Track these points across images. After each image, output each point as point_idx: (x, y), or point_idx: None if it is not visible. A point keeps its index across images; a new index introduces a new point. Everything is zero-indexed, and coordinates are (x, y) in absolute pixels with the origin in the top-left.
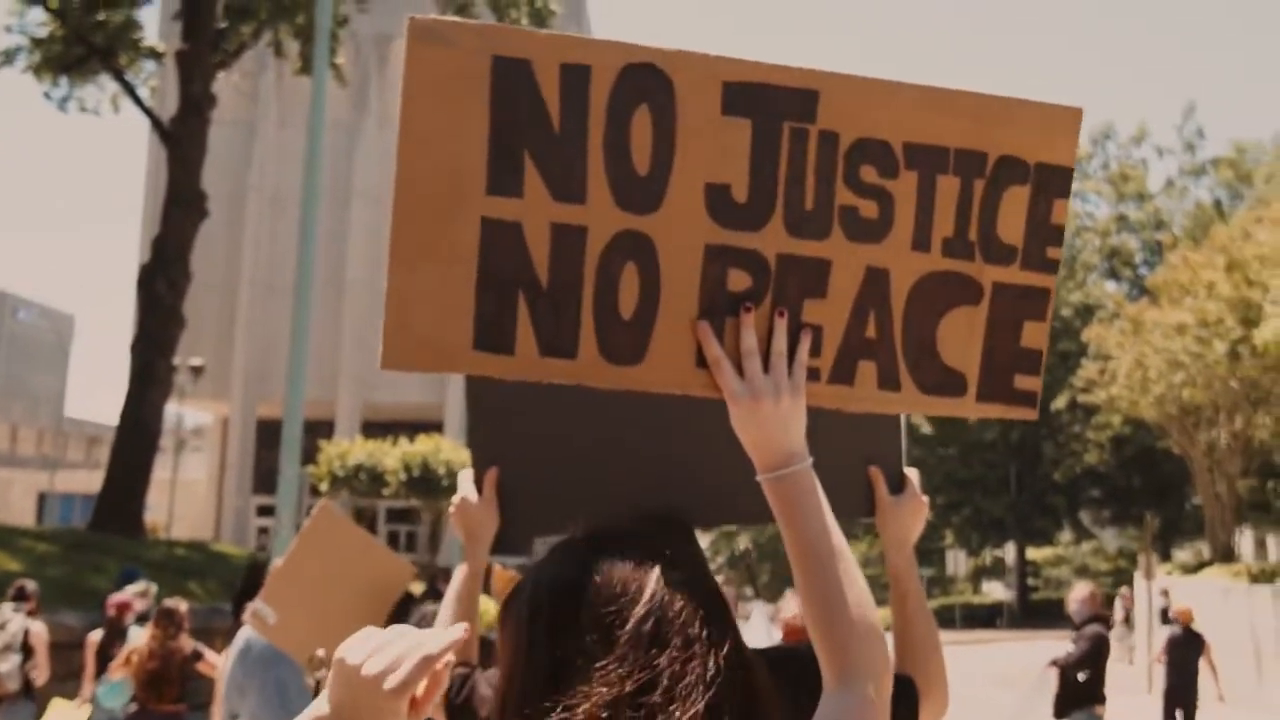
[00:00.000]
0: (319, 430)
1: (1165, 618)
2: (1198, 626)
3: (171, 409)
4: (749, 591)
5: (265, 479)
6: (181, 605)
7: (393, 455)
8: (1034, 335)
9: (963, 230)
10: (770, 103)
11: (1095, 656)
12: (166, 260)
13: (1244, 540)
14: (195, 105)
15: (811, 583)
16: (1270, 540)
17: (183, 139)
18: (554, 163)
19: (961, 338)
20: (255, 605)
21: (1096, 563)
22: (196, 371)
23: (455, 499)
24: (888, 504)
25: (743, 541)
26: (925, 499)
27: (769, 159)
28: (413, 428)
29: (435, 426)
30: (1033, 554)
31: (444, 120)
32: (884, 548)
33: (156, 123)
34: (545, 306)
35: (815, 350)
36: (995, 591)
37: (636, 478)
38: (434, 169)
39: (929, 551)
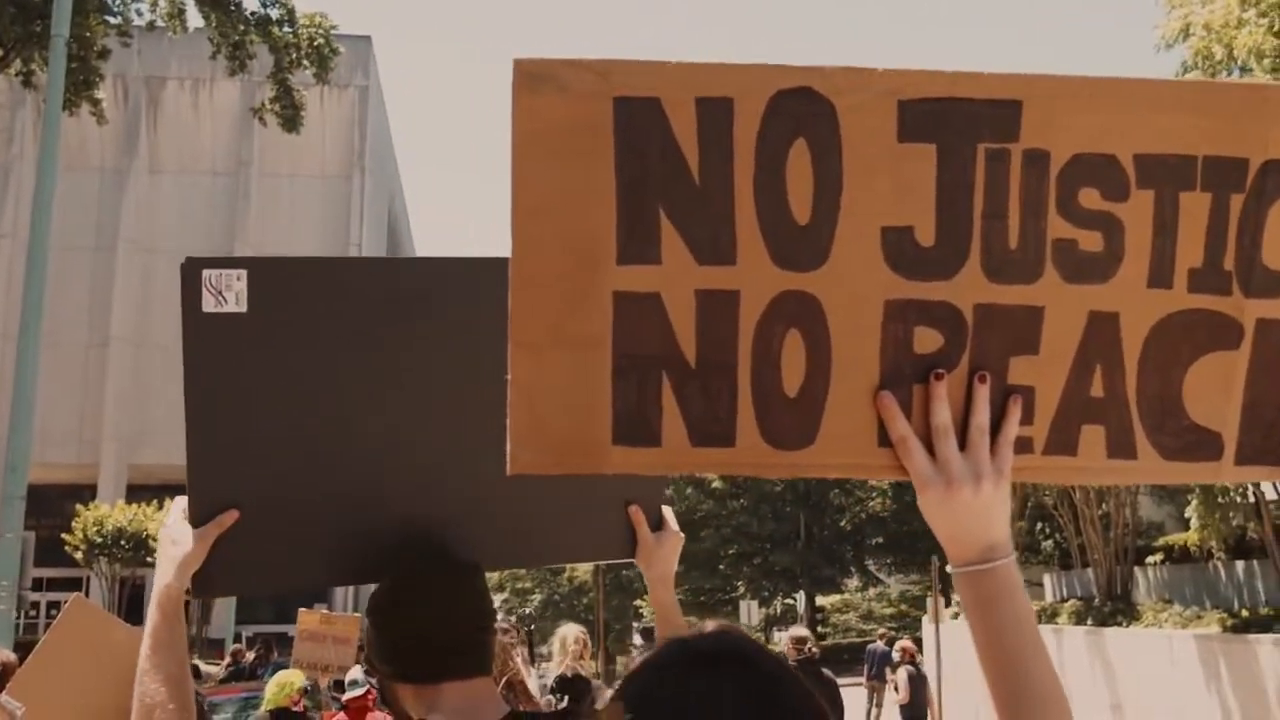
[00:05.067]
0: (80, 495)
1: (882, 660)
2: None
3: None
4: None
5: None
6: None
7: (158, 520)
8: None
9: (1215, 259)
10: (960, 121)
11: None
12: None
13: None
14: None
15: (1008, 693)
16: (1047, 580)
17: None
18: (696, 219)
19: (1215, 390)
20: (2, 699)
21: (881, 608)
22: None
23: (168, 527)
24: (650, 542)
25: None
26: (680, 533)
27: (961, 191)
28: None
29: None
30: (821, 601)
31: (562, 183)
32: (650, 584)
33: None
34: (694, 389)
35: (1027, 417)
36: (787, 639)
37: (390, 526)
38: (555, 242)
39: (722, 602)
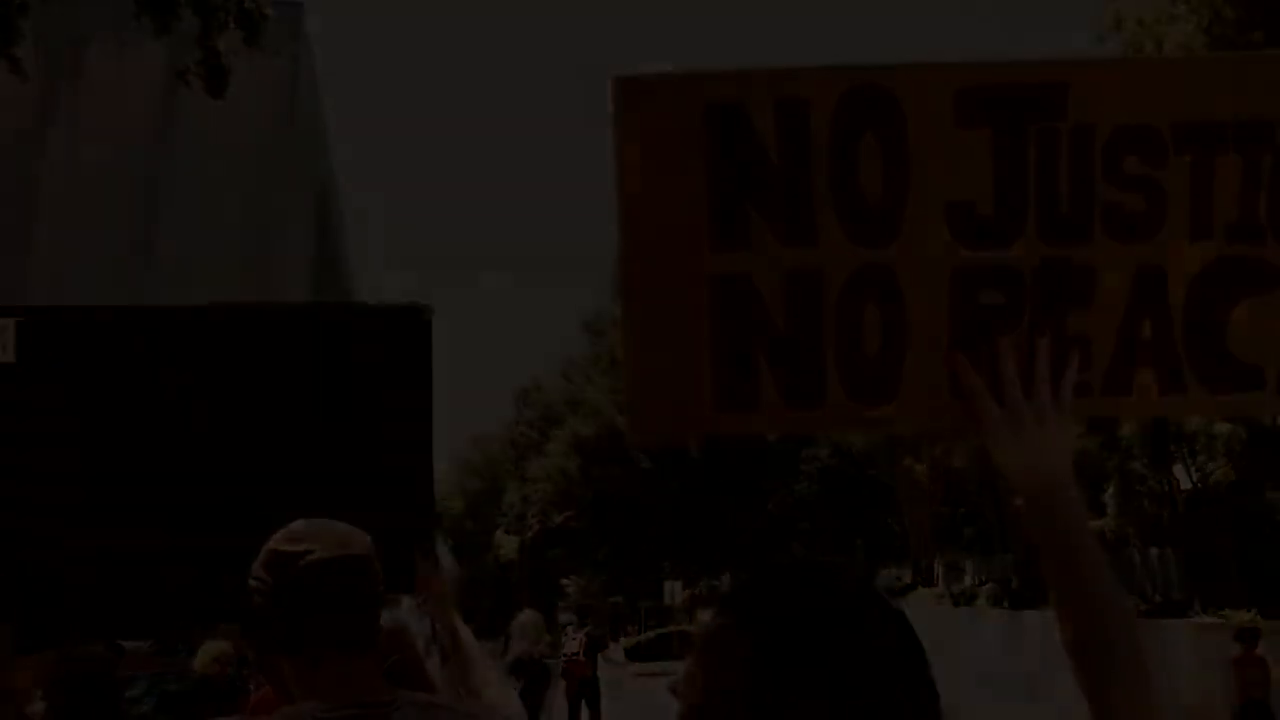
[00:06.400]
0: None
1: None
2: None
3: None
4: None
5: None
6: None
7: None
8: None
9: (1250, 213)
10: (1012, 106)
11: None
12: None
13: (937, 564)
14: None
15: (1075, 608)
16: (967, 565)
17: None
18: (779, 207)
19: (1256, 328)
20: None
21: None
22: None
23: None
24: (427, 571)
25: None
26: (455, 565)
27: (1016, 167)
28: None
29: None
30: None
31: (661, 184)
32: (431, 611)
33: None
34: (786, 356)
35: (1084, 364)
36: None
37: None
38: (655, 235)
39: (648, 582)
